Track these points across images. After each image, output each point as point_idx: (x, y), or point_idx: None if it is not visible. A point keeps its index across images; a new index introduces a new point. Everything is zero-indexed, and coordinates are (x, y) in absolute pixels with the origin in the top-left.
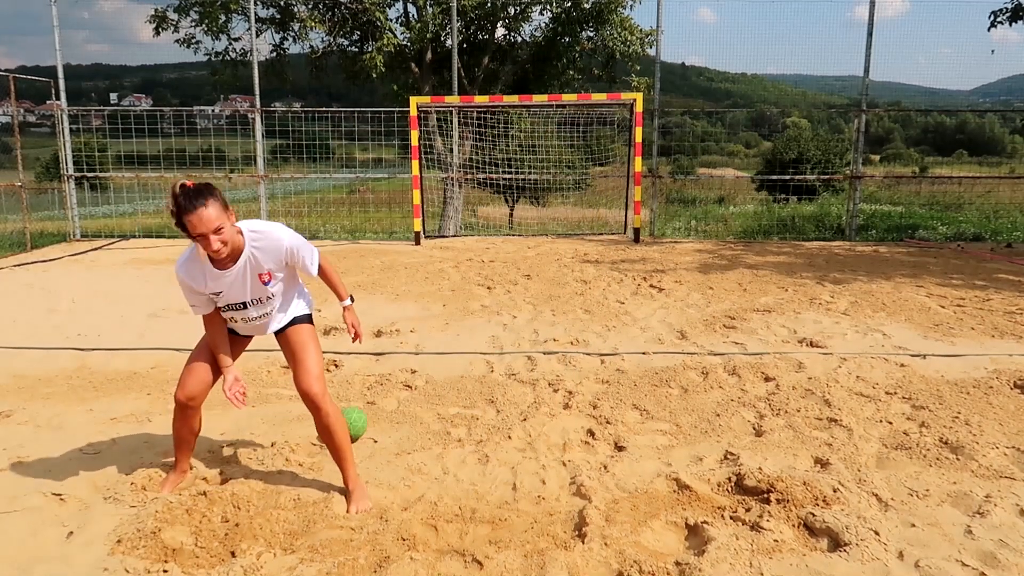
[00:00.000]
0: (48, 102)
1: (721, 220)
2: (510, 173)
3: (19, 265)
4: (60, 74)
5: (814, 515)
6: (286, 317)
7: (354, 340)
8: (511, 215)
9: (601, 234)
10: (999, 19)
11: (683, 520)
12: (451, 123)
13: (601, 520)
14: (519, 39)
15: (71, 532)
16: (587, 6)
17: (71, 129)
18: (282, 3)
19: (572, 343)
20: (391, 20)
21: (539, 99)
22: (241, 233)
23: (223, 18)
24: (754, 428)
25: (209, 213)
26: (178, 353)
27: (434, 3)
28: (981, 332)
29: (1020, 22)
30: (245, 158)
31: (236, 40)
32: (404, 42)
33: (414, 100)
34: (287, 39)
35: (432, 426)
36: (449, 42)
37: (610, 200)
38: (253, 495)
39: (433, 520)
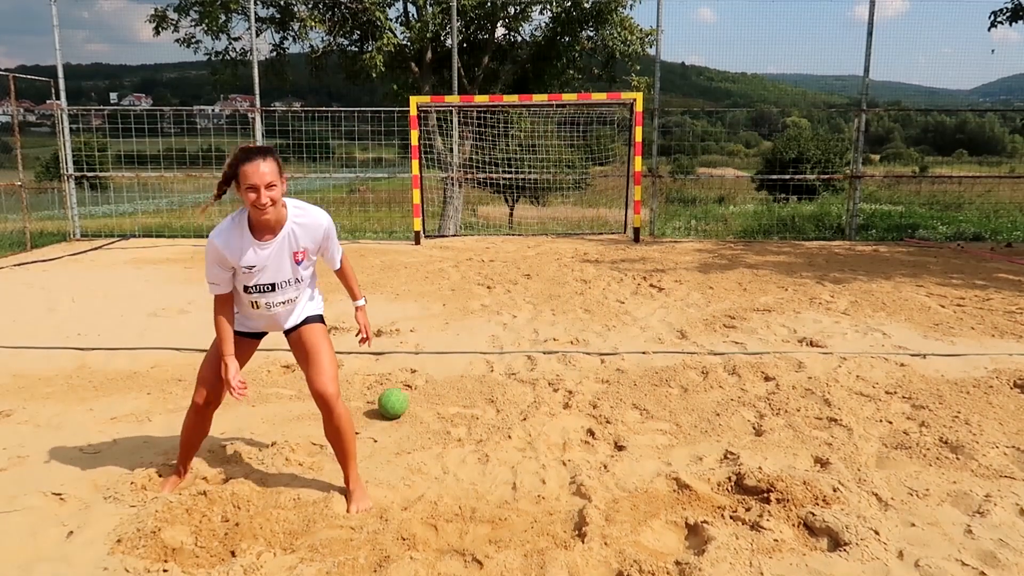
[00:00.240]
0: (48, 101)
1: (721, 220)
2: (510, 173)
3: (19, 265)
4: (60, 73)
5: (814, 515)
6: (302, 313)
7: (362, 342)
8: (511, 215)
9: (601, 234)
10: (999, 19)
11: (683, 520)
12: (451, 123)
13: (601, 520)
14: (519, 39)
15: (71, 532)
16: (587, 6)
17: (71, 129)
18: (282, 3)
19: (572, 342)
20: (391, 20)
21: (539, 99)
22: (285, 207)
23: (223, 18)
24: (754, 428)
25: (266, 168)
26: (178, 353)
27: (434, 3)
28: (981, 332)
29: (1020, 22)
30: None
31: (236, 40)
32: (404, 42)
33: (414, 100)
34: (287, 39)
35: (432, 426)
36: (449, 42)
37: (610, 200)
38: (253, 495)
39: (433, 520)
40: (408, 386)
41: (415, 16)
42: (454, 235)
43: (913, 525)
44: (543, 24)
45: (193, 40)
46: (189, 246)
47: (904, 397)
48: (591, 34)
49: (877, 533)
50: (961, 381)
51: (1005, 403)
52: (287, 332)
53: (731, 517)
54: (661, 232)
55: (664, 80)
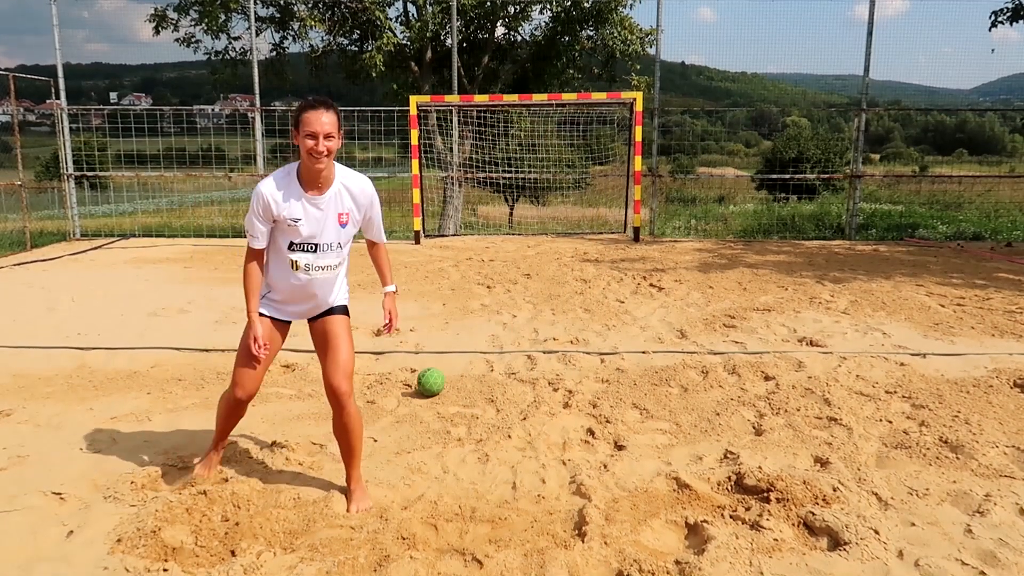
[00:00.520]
0: (48, 101)
1: (721, 219)
2: (510, 172)
3: (19, 264)
4: (60, 73)
5: (814, 514)
6: (333, 299)
7: (388, 329)
8: (511, 214)
9: (601, 233)
10: (999, 19)
11: (683, 519)
12: (451, 122)
13: (601, 519)
14: (519, 38)
15: (71, 531)
16: (587, 5)
17: (71, 128)
18: (282, 2)
19: (572, 342)
20: (391, 19)
21: (539, 98)
22: (335, 167)
23: (223, 17)
24: (754, 427)
25: (327, 118)
26: (178, 352)
27: (434, 2)
28: (981, 331)
29: (1020, 22)
30: (245, 157)
31: (236, 39)
32: (404, 41)
33: (414, 99)
34: (287, 38)
35: (432, 425)
36: (449, 41)
37: (610, 199)
38: (253, 494)
39: (433, 519)
40: (408, 386)
41: (415, 16)
42: (454, 235)
43: (913, 524)
44: (543, 24)
45: (193, 40)
46: (189, 246)
47: (904, 396)
48: (591, 34)
49: (877, 532)
50: (961, 380)
51: (1005, 403)
52: (312, 321)
53: (731, 516)
54: (661, 232)
55: (664, 79)
